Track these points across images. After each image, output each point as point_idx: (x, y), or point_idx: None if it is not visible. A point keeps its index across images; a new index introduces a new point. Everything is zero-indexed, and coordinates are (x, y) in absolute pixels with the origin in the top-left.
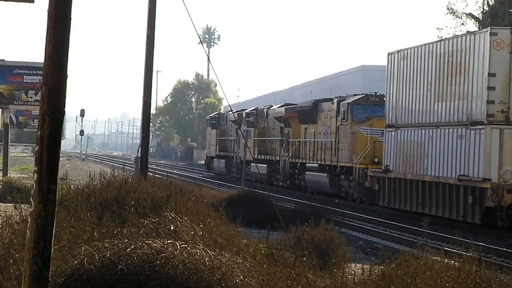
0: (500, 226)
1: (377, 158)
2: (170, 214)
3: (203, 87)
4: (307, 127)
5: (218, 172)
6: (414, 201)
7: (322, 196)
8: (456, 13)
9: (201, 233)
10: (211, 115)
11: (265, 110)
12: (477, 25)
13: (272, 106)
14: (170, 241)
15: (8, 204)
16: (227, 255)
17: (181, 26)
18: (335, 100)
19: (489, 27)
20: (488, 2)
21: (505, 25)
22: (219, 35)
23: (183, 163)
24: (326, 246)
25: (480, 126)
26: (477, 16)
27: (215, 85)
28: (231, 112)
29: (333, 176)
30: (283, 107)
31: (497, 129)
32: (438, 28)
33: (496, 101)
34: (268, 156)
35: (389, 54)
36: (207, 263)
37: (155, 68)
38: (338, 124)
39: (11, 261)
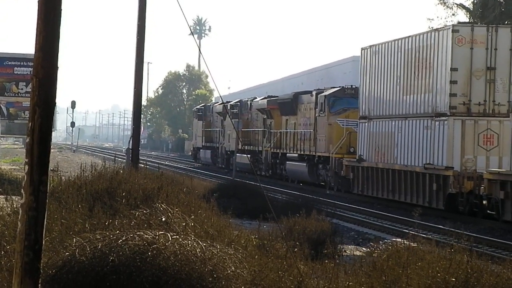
0: (461, 211)
1: (352, 148)
2: (161, 206)
3: (194, 78)
4: (288, 118)
5: (204, 162)
6: (385, 189)
7: (313, 186)
8: (447, 4)
9: (192, 224)
10: (198, 107)
11: (248, 102)
12: (468, 15)
13: (255, 98)
14: (162, 232)
15: None
16: (218, 246)
17: (172, 17)
18: (313, 93)
19: (451, 24)
20: None
21: (495, 16)
22: (210, 26)
23: (175, 155)
24: (317, 237)
25: (444, 118)
26: (468, 6)
27: (206, 76)
28: (216, 104)
29: (311, 166)
30: (265, 99)
31: (459, 120)
32: (429, 19)
33: (458, 94)
34: (252, 146)
35: (362, 49)
36: (199, 254)
37: (146, 60)
38: (316, 115)
39: (2, 252)
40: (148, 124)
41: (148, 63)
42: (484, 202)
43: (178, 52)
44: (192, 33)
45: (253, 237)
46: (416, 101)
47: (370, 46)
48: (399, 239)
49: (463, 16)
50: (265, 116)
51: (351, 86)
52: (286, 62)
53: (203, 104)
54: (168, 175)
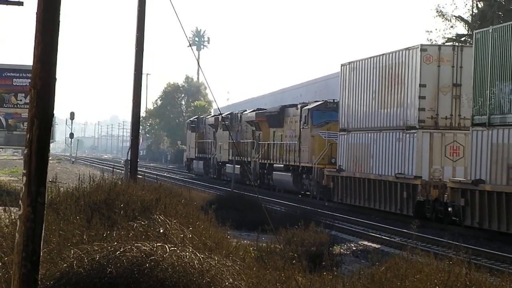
0: (428, 218)
1: (334, 159)
2: (159, 217)
3: (193, 90)
4: (275, 130)
5: (197, 173)
6: (362, 197)
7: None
8: (445, 16)
9: (190, 236)
10: (191, 119)
11: (239, 115)
12: (467, 27)
13: (245, 110)
14: (160, 244)
15: None
16: (216, 258)
17: (171, 29)
18: (299, 106)
19: (419, 44)
20: (477, 4)
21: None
22: (208, 38)
23: (173, 166)
24: (316, 249)
25: (413, 130)
26: (466, 19)
27: (205, 88)
28: (209, 116)
29: (296, 176)
30: (254, 112)
31: (427, 133)
32: (428, 31)
33: (427, 109)
34: (242, 157)
35: (341, 65)
36: (197, 266)
37: (144, 71)
38: (300, 128)
39: (0, 264)
40: (147, 135)
41: (147, 74)
42: (450, 209)
43: (177, 64)
44: (190, 45)
45: (251, 248)
46: (389, 115)
47: (349, 63)
48: (397, 251)
49: (461, 28)
50: (254, 128)
51: (333, 100)
52: (285, 73)
53: (196, 117)
54: (166, 186)
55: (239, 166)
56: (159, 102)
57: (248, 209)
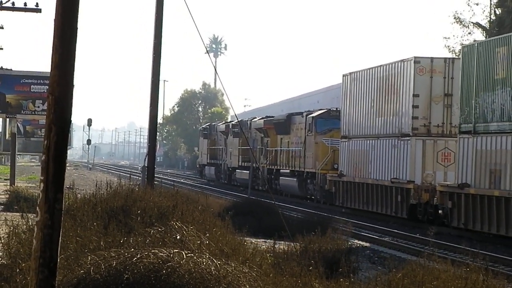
0: (420, 220)
1: (336, 165)
2: (176, 224)
3: (210, 96)
4: (282, 137)
5: (209, 178)
6: (361, 201)
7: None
8: (463, 23)
9: (207, 242)
10: (203, 126)
11: (248, 122)
12: (484, 34)
13: (255, 118)
14: (176, 250)
15: (15, 213)
16: (233, 264)
17: (188, 36)
18: (304, 114)
19: (413, 56)
20: (495, 11)
21: None
22: (225, 45)
23: (190, 172)
24: (332, 255)
25: (407, 138)
26: (484, 25)
27: (222, 94)
28: (220, 123)
29: (301, 181)
30: (263, 119)
31: (420, 140)
32: (445, 37)
33: (420, 117)
34: (255, 163)
35: (343, 75)
36: (213, 272)
37: (162, 78)
38: (305, 135)
39: (18, 270)
40: (164, 142)
41: (164, 81)
42: (440, 211)
43: (195, 70)
44: (207, 52)
45: (268, 255)
46: (386, 123)
47: (350, 73)
48: (414, 258)
49: (479, 35)
50: (262, 135)
51: (336, 108)
52: (303, 80)
53: (208, 124)
54: (183, 193)
55: (248, 171)
56: (176, 109)
57: (265, 216)
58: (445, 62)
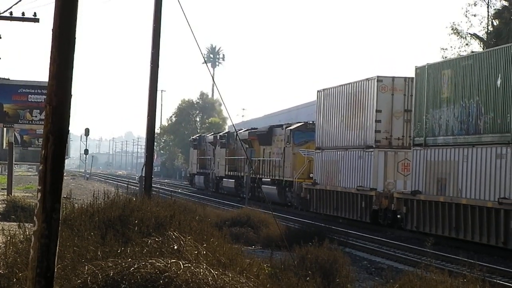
0: (381, 224)
1: (311, 174)
2: (173, 234)
3: (207, 106)
4: (264, 148)
5: (198, 187)
6: (332, 207)
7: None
8: (460, 34)
9: (204, 252)
10: (193, 137)
11: (234, 133)
12: (482, 45)
13: (241, 129)
14: (174, 260)
15: (12, 223)
16: (230, 275)
17: (186, 46)
18: (284, 127)
19: (376, 76)
20: (492, 22)
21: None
22: (223, 55)
23: (187, 182)
24: (330, 266)
25: (371, 149)
26: (482, 36)
27: (220, 104)
28: (209, 135)
29: (280, 189)
30: (247, 131)
31: (382, 152)
32: (443, 48)
33: (382, 131)
34: (236, 172)
35: (318, 91)
36: (211, 283)
37: (159, 87)
38: (284, 146)
39: (15, 280)
40: (162, 152)
41: (162, 91)
42: (399, 216)
43: (192, 80)
44: (205, 62)
45: (265, 265)
46: (353, 136)
47: (323, 89)
48: (411, 269)
49: (476, 46)
50: (247, 146)
51: (312, 122)
52: (300, 90)
53: (198, 135)
54: (180, 203)
55: (233, 180)
56: (173, 119)
57: (262, 226)
58: (405, 81)
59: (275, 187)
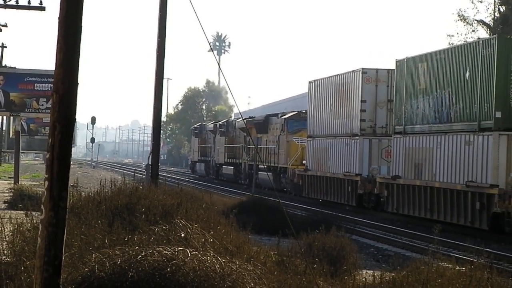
0: (366, 207)
1: (304, 161)
2: (180, 221)
3: (213, 94)
4: (261, 136)
5: (199, 174)
6: (322, 192)
7: (331, 203)
8: (467, 20)
9: (211, 240)
10: (195, 125)
11: (233, 122)
12: (488, 31)
13: (239, 118)
14: (181, 248)
15: (19, 212)
16: (237, 262)
17: (192, 34)
18: (279, 115)
19: (361, 68)
20: (499, 9)
21: None
22: (229, 43)
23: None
24: (337, 253)
25: (357, 137)
26: (488, 23)
27: (226, 92)
28: (209, 123)
29: (275, 175)
30: (245, 120)
31: (367, 139)
32: (449, 35)
33: (367, 120)
34: (235, 159)
35: (309, 82)
36: (218, 270)
37: (165, 76)
38: (279, 134)
39: (22, 268)
40: (168, 140)
41: (168, 79)
42: (382, 199)
43: (198, 68)
44: (212, 50)
45: (272, 253)
46: (341, 124)
47: (314, 80)
48: (419, 256)
49: (483, 33)
50: (245, 134)
51: (305, 111)
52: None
53: (199, 123)
54: (187, 191)
55: (232, 167)
56: (180, 107)
57: (269, 214)
58: (388, 72)
59: (270, 174)
